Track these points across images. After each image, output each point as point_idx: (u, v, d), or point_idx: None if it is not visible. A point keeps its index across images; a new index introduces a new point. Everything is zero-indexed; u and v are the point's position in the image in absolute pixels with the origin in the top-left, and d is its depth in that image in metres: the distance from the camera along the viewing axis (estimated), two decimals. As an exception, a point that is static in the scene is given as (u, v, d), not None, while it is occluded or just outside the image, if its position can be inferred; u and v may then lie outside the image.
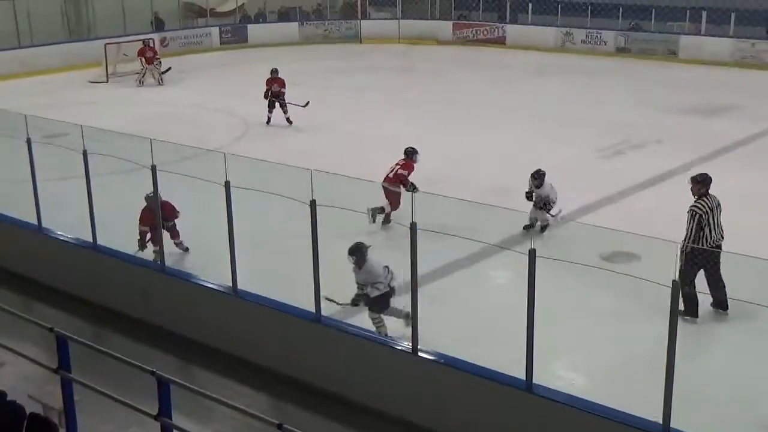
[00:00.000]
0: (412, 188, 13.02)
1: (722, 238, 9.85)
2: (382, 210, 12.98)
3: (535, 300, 7.04)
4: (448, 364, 7.88)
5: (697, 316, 9.70)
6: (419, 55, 32.15)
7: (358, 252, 8.92)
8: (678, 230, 10.52)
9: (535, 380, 7.25)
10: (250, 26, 34.75)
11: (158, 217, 10.37)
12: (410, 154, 13.61)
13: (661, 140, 18.47)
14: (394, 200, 12.94)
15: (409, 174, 13.42)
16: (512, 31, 33.31)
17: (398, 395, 8.11)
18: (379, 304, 9.01)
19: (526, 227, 12.73)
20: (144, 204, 11.00)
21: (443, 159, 16.66)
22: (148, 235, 10.96)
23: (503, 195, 13.66)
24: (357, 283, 9.03)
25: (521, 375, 7.25)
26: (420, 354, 7.87)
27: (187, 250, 11.78)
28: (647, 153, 17.60)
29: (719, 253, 9.56)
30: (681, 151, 17.35)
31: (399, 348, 8.08)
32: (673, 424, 6.51)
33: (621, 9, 31.26)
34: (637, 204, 14.40)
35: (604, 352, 9.39)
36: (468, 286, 11.19)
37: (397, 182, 13.15)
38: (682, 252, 9.34)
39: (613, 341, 9.56)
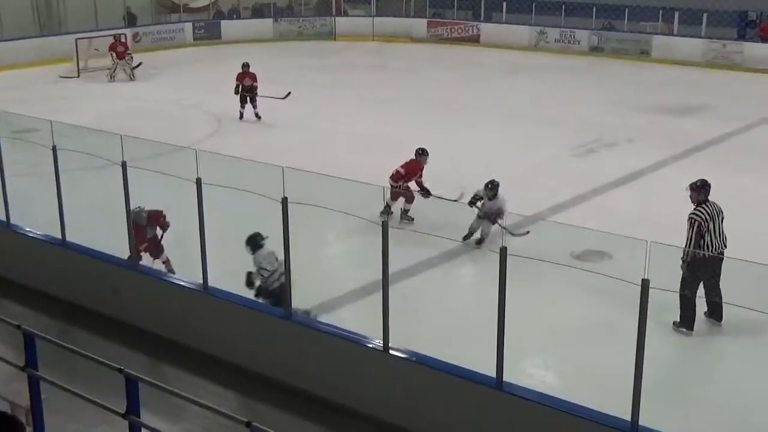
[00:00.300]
0: (425, 193, 13.13)
1: (725, 246, 9.67)
2: (387, 210, 12.59)
3: (506, 299, 7.07)
4: (419, 362, 7.87)
5: (692, 330, 9.62)
6: (393, 52, 32.11)
7: (252, 241, 9.33)
8: (649, 228, 10.57)
9: (505, 378, 7.27)
10: (223, 22, 34.62)
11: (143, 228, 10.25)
12: (418, 154, 13.38)
13: (634, 139, 18.60)
14: (406, 196, 13.04)
15: (409, 174, 13.19)
16: (486, 29, 33.42)
17: (369, 393, 8.10)
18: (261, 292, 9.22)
19: (466, 238, 12.14)
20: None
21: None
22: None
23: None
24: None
25: (492, 373, 7.25)
26: (391, 352, 7.88)
27: (172, 272, 10.72)
28: (619, 152, 17.73)
29: (720, 262, 9.47)
30: (653, 150, 17.53)
31: (370, 346, 8.07)
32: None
33: (595, 9, 31.44)
34: (609, 202, 14.49)
35: (576, 351, 9.44)
36: (439, 285, 11.21)
37: (395, 180, 13.05)
38: (682, 261, 9.41)
39: (585, 340, 9.61)
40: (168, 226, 10.66)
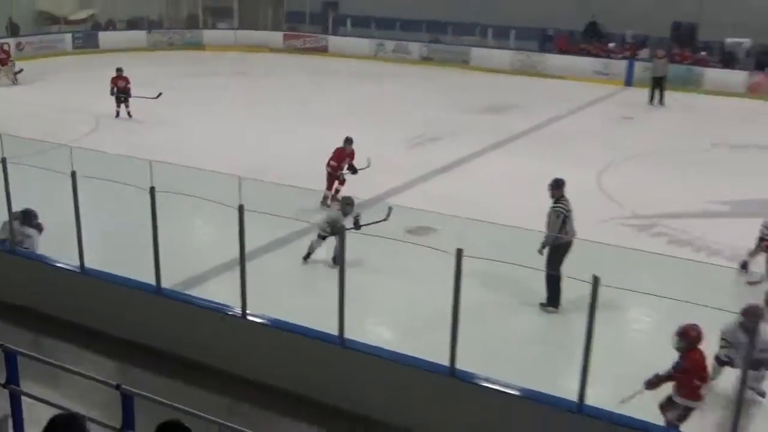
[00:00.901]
0: (353, 170, 13.40)
1: (575, 234, 9.73)
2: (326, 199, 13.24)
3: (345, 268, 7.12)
4: (274, 326, 7.85)
5: (557, 307, 9.66)
6: (254, 60, 31.63)
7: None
8: (469, 208, 10.87)
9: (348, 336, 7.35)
10: (101, 33, 33.10)
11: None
12: (345, 143, 13.49)
13: (457, 133, 19.01)
14: (340, 180, 13.37)
15: (340, 161, 13.30)
16: (334, 41, 33.40)
17: (230, 354, 8.00)
18: None
19: (306, 257, 10.93)
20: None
21: (274, 152, 16.56)
22: None
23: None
24: None
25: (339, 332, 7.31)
26: (249, 317, 7.81)
27: None
28: (445, 144, 18.08)
29: (569, 247, 9.55)
30: (473, 142, 18.00)
31: (230, 313, 7.96)
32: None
33: (424, 25, 31.87)
34: (437, 186, 14.79)
35: (407, 310, 9.60)
36: (290, 258, 11.15)
37: (333, 169, 13.25)
38: (543, 246, 9.50)
39: (414, 301, 9.76)
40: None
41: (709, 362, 7.13)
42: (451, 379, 6.89)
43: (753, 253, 11.10)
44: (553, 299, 9.66)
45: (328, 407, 7.40)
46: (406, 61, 31.38)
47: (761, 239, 10.97)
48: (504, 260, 6.90)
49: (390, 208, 10.80)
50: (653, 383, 6.94)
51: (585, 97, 24.70)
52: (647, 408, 6.78)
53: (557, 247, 9.54)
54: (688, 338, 6.76)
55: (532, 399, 6.72)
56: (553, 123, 20.95)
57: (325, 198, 13.33)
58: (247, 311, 7.79)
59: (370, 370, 7.36)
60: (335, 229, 9.93)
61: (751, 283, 10.65)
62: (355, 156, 13.53)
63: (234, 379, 7.83)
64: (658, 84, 24.11)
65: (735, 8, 27.28)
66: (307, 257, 10.87)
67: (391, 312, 9.77)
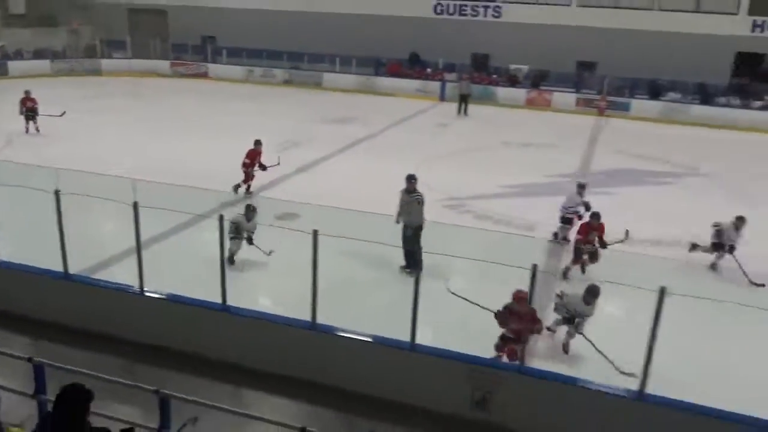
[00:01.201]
0: (262, 167, 13.03)
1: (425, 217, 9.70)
2: (237, 187, 13.04)
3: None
4: (171, 300, 7.50)
5: (414, 269, 9.37)
6: (146, 84, 29.88)
7: None
8: (325, 199, 10.80)
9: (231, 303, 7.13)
10: (9, 62, 30.19)
11: None
12: (255, 143, 13.18)
13: (313, 140, 18.85)
14: (252, 176, 13.11)
15: (252, 159, 12.94)
16: (213, 68, 32.08)
17: (130, 325, 7.58)
18: None
19: (231, 261, 9.51)
20: None
21: (166, 158, 15.79)
22: None
23: (207, 180, 13.27)
24: None
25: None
26: (147, 293, 7.41)
27: None
28: (304, 148, 17.87)
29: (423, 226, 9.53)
30: (325, 147, 17.88)
31: (130, 292, 7.53)
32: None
33: (285, 55, 31.40)
34: (299, 182, 14.62)
35: (283, 282, 9.40)
36: (185, 244, 10.69)
37: (246, 167, 12.95)
38: (406, 227, 9.49)
39: (288, 273, 9.61)
40: None
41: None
42: (312, 331, 6.85)
43: (704, 250, 10.63)
44: (414, 265, 9.53)
45: (213, 361, 7.16)
46: (272, 83, 30.69)
47: (714, 244, 10.53)
48: (358, 238, 6.94)
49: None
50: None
51: (410, 110, 25.15)
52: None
53: (418, 227, 9.59)
54: (515, 298, 6.91)
55: (378, 342, 6.80)
56: (386, 130, 21.21)
57: (237, 186, 13.12)
58: (145, 288, 7.39)
59: (251, 330, 7.19)
60: (240, 231, 9.43)
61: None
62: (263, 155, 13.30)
63: (131, 344, 7.44)
64: (464, 99, 24.92)
65: (516, 42, 28.70)
66: (231, 259, 9.43)
67: (268, 284, 9.56)
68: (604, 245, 9.77)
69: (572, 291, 7.97)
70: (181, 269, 9.36)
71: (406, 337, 6.58)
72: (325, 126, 21.17)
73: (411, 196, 9.61)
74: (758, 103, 25.69)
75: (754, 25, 26.96)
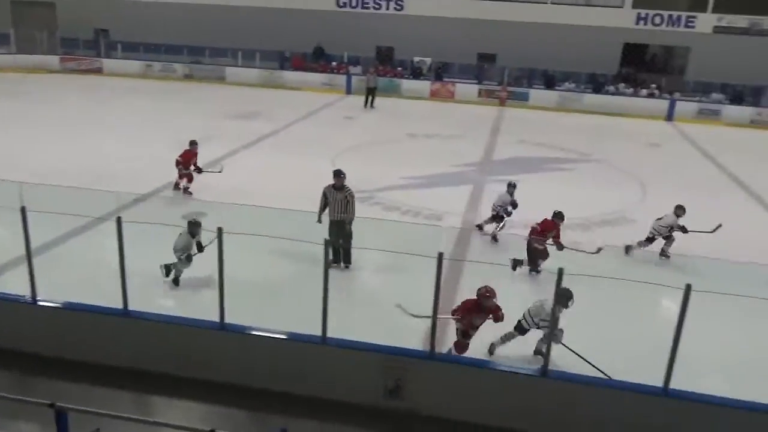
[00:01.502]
0: (198, 170, 12.86)
1: (344, 213, 9.52)
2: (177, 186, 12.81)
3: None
4: (66, 308, 7.12)
5: (337, 264, 9.49)
6: (34, 81, 27.98)
7: None
8: (233, 196, 10.53)
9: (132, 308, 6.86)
10: None
11: None
12: (190, 144, 12.89)
13: (216, 136, 18.35)
14: (188, 177, 12.84)
15: (186, 160, 12.70)
16: (108, 63, 30.49)
17: (22, 336, 7.17)
18: None
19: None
20: None
21: (63, 158, 14.93)
22: None
23: (104, 182, 12.66)
24: None
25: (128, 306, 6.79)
26: (39, 303, 7.01)
27: None
28: (206, 145, 17.30)
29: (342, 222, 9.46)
30: (229, 143, 17.47)
31: (22, 301, 7.09)
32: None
33: (185, 49, 30.36)
34: (203, 179, 14.15)
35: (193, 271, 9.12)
36: (82, 249, 10.17)
37: (184, 166, 12.70)
38: (319, 221, 9.41)
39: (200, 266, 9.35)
40: None
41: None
42: (222, 332, 6.70)
43: (642, 245, 10.74)
44: (345, 259, 9.66)
45: (114, 369, 6.86)
46: (172, 78, 29.60)
47: (650, 238, 10.70)
48: (270, 235, 6.82)
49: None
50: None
51: (316, 103, 25.01)
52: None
53: (350, 222, 9.52)
54: (483, 295, 6.91)
55: (290, 339, 6.74)
56: (293, 125, 20.99)
57: (176, 185, 12.97)
58: (37, 296, 6.98)
59: (155, 335, 6.94)
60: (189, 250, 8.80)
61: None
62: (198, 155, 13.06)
63: (24, 356, 7.01)
64: (370, 92, 25.04)
65: (419, 35, 29.13)
66: (177, 281, 8.95)
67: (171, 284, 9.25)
68: (560, 247, 9.65)
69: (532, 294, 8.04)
70: (78, 275, 8.89)
71: (330, 333, 6.56)
72: (229, 122, 20.68)
73: (343, 192, 9.54)
74: (645, 92, 27.35)
75: (639, 18, 28.65)
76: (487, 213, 11.72)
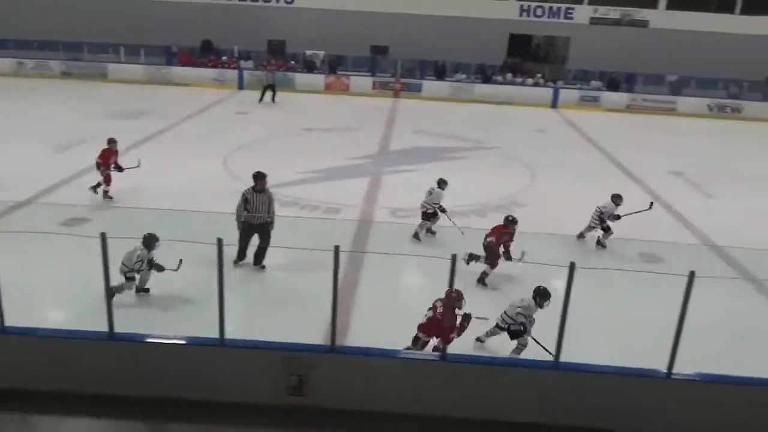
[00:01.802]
0: (118, 168, 12.46)
1: (269, 213, 9.43)
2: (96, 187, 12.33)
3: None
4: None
5: (242, 260, 9.44)
6: None
7: None
8: (116, 198, 9.98)
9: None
10: None
11: None
12: (108, 142, 12.54)
13: (99, 137, 17.18)
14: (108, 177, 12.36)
15: (105, 160, 12.28)
16: (-29, 61, 28.27)
17: None
18: None
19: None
20: None
21: None
22: None
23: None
24: None
25: None
26: None
27: None
28: (89, 146, 16.33)
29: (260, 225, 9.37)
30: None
31: None
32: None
33: (61, 45, 28.53)
34: (83, 183, 13.32)
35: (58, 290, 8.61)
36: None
37: (105, 167, 12.27)
38: (242, 219, 9.25)
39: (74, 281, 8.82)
40: None
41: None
42: (111, 341, 6.37)
43: (585, 232, 10.93)
44: (260, 259, 9.53)
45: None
46: (48, 76, 27.74)
47: (591, 226, 10.88)
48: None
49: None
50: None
51: (207, 100, 24.28)
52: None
53: (271, 224, 9.47)
54: (455, 299, 6.75)
55: (186, 343, 6.50)
56: (183, 122, 20.28)
57: (96, 187, 12.38)
58: None
59: (35, 350, 6.48)
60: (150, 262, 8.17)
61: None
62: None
63: None
64: (270, 88, 24.55)
65: (311, 28, 28.92)
66: (147, 290, 8.44)
67: (60, 291, 8.68)
68: (508, 257, 9.42)
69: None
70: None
71: (243, 336, 6.42)
72: (113, 121, 19.63)
73: (266, 195, 9.44)
74: (530, 81, 28.57)
75: (522, 9, 29.84)
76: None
